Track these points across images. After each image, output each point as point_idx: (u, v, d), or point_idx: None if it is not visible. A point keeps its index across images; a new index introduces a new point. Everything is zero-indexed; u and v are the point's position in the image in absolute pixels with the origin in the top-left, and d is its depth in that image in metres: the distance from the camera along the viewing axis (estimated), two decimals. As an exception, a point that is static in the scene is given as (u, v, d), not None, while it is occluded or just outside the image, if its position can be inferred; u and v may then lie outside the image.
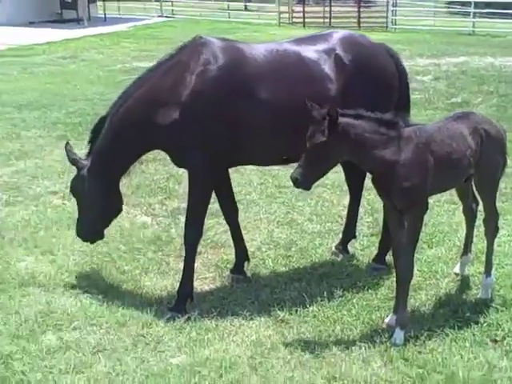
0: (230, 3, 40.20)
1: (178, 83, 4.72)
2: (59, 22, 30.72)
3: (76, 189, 5.31)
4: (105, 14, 34.23)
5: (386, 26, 32.30)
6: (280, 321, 4.71)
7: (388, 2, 33.76)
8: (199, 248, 5.95)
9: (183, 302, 4.88)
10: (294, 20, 35.03)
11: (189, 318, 4.69)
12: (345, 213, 6.09)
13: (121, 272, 5.51)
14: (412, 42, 25.09)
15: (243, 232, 6.05)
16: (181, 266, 5.63)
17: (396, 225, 4.48)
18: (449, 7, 43.27)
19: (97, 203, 5.18)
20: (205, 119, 4.69)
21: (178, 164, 5.12)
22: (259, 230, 6.44)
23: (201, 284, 5.32)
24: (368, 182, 5.00)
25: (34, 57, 19.26)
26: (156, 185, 7.82)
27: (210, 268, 5.62)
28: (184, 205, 6.89)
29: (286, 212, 6.92)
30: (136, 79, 5.06)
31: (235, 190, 7.46)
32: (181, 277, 5.00)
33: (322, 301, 4.95)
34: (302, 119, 4.29)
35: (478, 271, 5.26)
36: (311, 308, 4.85)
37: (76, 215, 6.74)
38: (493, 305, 4.83)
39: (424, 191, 4.36)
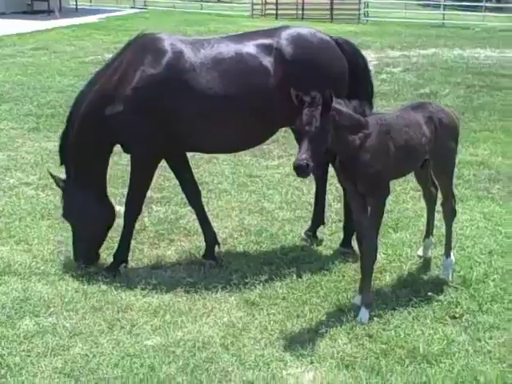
0: (203, -5, 40.10)
1: (122, 80, 5.18)
2: (30, 13, 30.31)
3: (68, 209, 5.49)
4: (76, 5, 33.81)
5: (359, 19, 32.61)
6: (251, 303, 4.88)
7: (360, -6, 34.10)
8: (172, 236, 6.16)
9: (117, 265, 5.45)
10: (267, 12, 35.11)
11: (119, 273, 5.36)
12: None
13: (95, 260, 5.62)
14: (383, 34, 25.37)
15: (215, 220, 6.23)
16: (154, 252, 5.81)
17: (359, 209, 4.66)
18: (420, -1, 43.70)
19: (89, 214, 5.35)
20: (146, 111, 5.10)
21: (127, 151, 5.52)
22: (231, 217, 6.60)
23: (174, 270, 5.46)
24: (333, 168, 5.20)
25: (4, 48, 19.00)
26: (129, 175, 7.90)
27: (183, 255, 5.77)
28: (156, 195, 7.08)
29: (257, 200, 7.09)
30: (90, 79, 5.50)
31: (207, 179, 7.70)
32: (118, 245, 5.51)
33: (291, 284, 5.14)
34: (237, 108, 5.13)
35: (440, 253, 5.48)
36: (281, 291, 5.03)
37: (50, 206, 6.83)
38: (453, 284, 5.08)
39: (386, 176, 4.58)
